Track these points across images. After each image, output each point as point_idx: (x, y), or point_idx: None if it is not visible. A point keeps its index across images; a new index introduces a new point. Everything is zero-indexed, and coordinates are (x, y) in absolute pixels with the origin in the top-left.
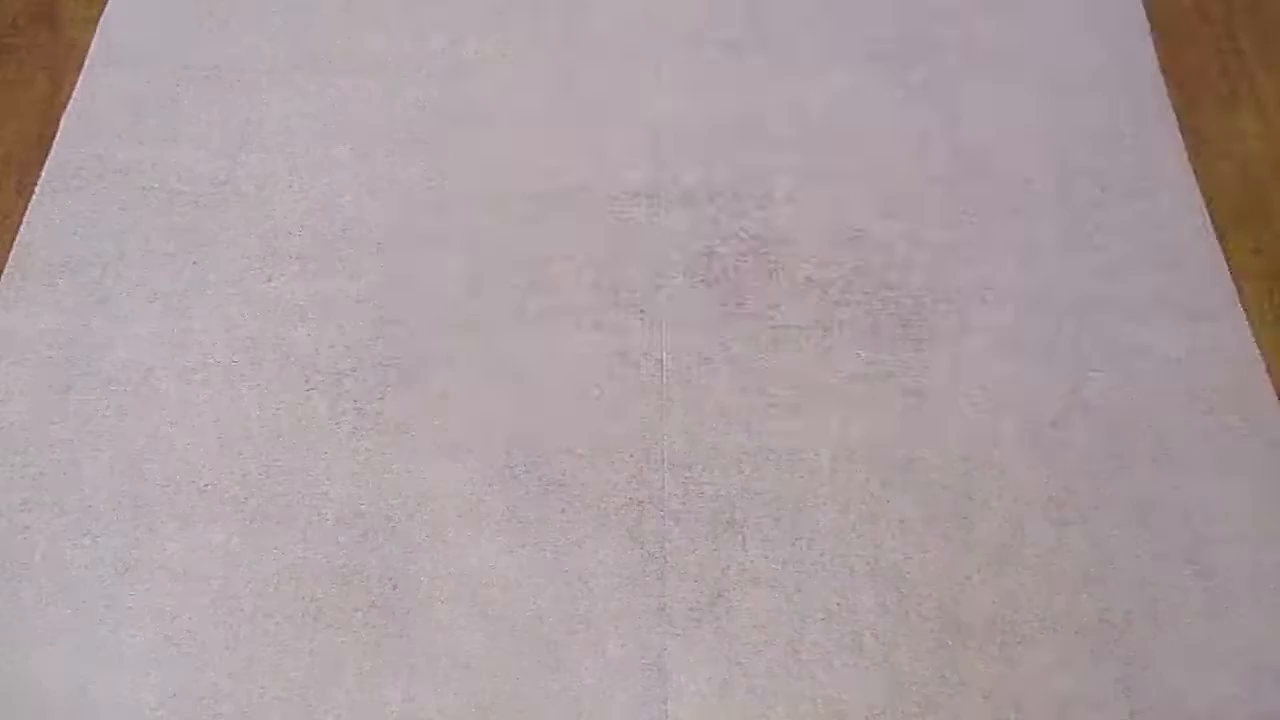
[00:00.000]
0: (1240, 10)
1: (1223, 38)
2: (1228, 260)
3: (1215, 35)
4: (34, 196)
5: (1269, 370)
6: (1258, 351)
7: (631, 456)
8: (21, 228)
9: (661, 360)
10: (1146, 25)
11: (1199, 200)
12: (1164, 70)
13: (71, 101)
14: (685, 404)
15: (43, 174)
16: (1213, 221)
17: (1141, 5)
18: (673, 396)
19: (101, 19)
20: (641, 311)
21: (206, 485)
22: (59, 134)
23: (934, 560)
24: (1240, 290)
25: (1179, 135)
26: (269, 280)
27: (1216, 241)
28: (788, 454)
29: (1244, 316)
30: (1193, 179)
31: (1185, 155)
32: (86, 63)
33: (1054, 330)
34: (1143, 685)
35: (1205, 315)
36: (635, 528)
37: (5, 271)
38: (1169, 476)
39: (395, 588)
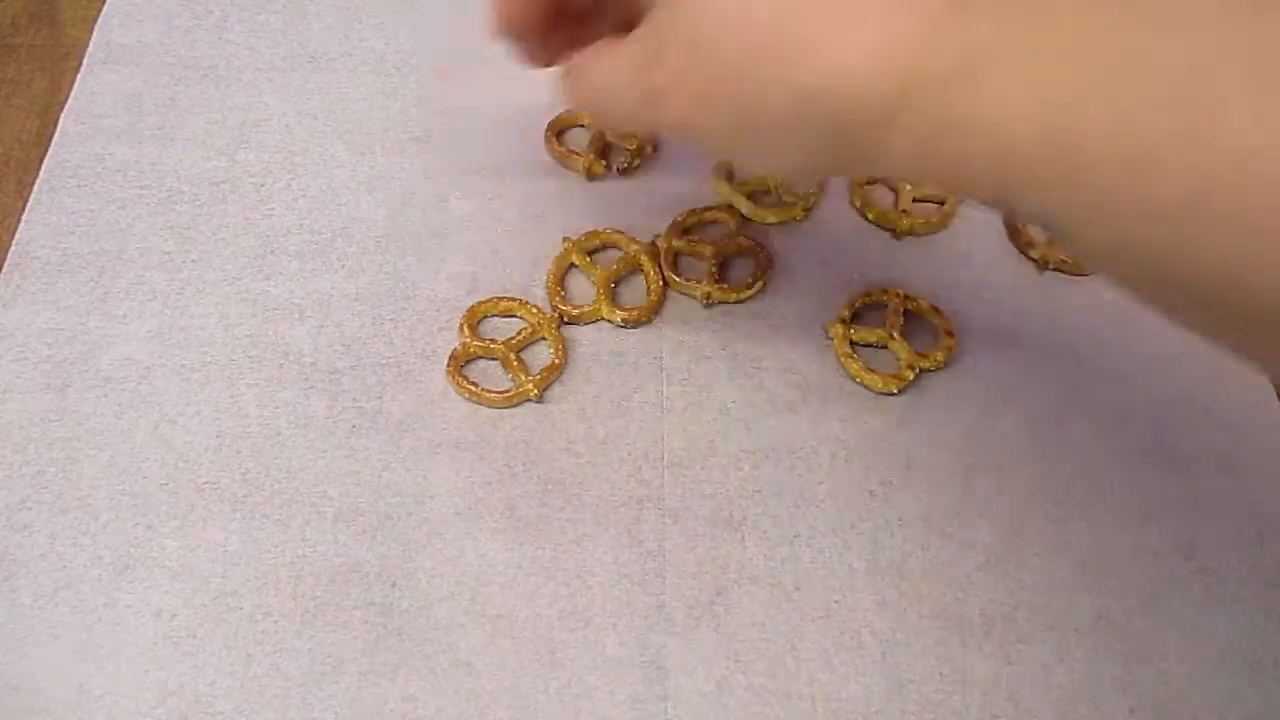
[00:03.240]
0: None
1: None
2: None
3: None
4: (32, 195)
5: None
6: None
7: (630, 454)
8: (20, 226)
9: (660, 358)
10: None
11: None
12: None
13: (69, 100)
14: (684, 401)
15: (41, 173)
16: None
17: None
18: (671, 394)
19: (100, 17)
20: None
21: (205, 483)
22: (57, 133)
23: (933, 558)
24: None
25: None
26: (268, 279)
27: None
28: (787, 452)
29: None
30: None
31: None
32: (84, 61)
33: (1051, 328)
34: (1141, 682)
35: None
36: (634, 526)
37: (4, 270)
38: (1167, 474)
39: (394, 586)
